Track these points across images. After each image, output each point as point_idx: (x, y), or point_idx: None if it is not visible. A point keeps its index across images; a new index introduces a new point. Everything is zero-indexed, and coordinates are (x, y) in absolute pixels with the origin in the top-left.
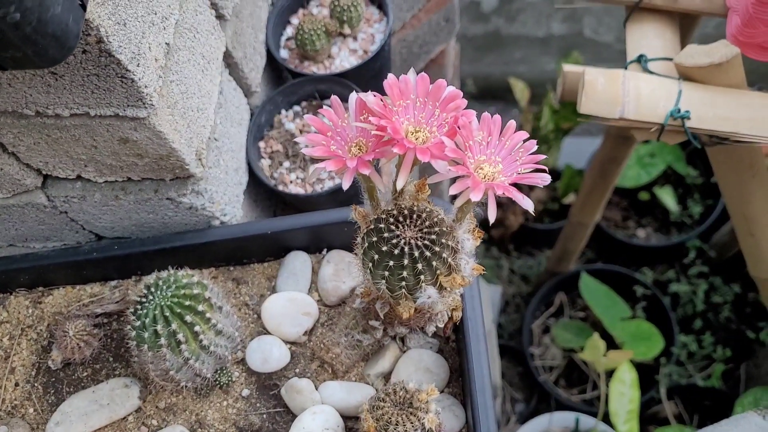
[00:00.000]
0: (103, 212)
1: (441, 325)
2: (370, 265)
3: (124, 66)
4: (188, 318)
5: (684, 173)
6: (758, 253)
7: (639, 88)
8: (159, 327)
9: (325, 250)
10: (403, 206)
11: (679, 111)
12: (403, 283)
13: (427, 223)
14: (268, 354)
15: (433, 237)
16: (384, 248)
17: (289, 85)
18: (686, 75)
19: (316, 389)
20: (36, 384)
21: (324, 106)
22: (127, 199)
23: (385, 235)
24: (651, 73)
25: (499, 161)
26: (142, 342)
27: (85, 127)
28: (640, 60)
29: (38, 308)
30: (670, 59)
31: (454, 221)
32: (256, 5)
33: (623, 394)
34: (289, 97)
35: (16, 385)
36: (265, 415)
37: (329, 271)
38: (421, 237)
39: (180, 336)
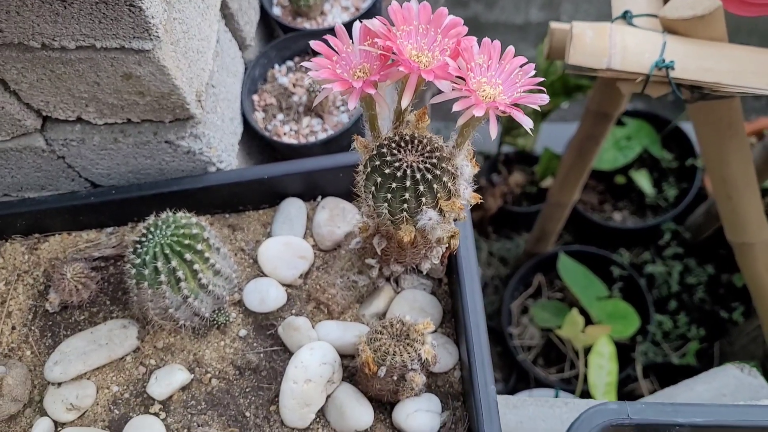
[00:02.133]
0: (101, 157)
1: (436, 261)
2: (373, 189)
3: None
4: (188, 256)
5: (659, 156)
6: (735, 216)
7: (625, 40)
8: (159, 264)
9: (320, 197)
10: (404, 133)
11: (663, 61)
12: (405, 205)
13: (428, 148)
14: (265, 294)
15: (434, 161)
16: (387, 171)
17: (282, 40)
18: (670, 28)
19: (313, 328)
20: (33, 327)
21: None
22: (126, 141)
23: (388, 158)
24: (636, 27)
25: (500, 83)
26: (142, 279)
27: (90, 62)
28: (625, 16)
29: (34, 254)
30: (655, 16)
31: (454, 147)
32: None
33: (602, 367)
34: (282, 52)
35: (13, 328)
36: (262, 354)
37: (324, 216)
38: (422, 161)
39: (180, 273)
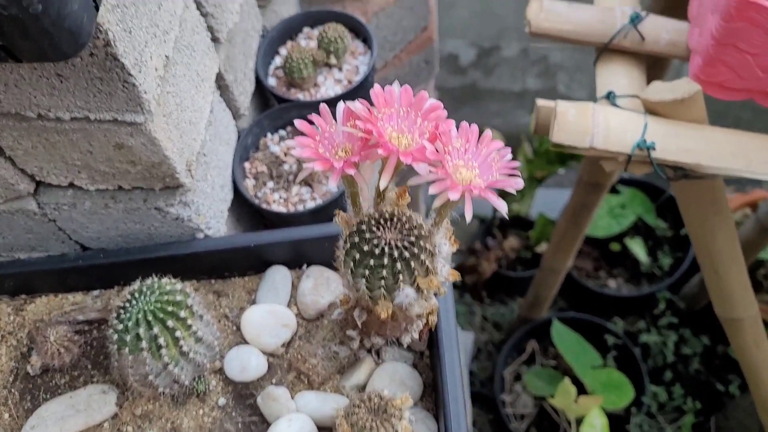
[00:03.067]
0: (91, 221)
1: (416, 336)
2: (352, 264)
3: (128, 71)
4: (170, 323)
5: (654, 225)
6: (722, 291)
7: (608, 120)
8: (141, 330)
9: (306, 265)
10: (384, 211)
11: (645, 142)
12: (383, 282)
13: (407, 226)
14: (246, 363)
15: (412, 239)
16: (365, 248)
17: (276, 109)
18: (652, 110)
19: (292, 398)
20: (13, 390)
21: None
22: (117, 207)
23: (367, 236)
24: (619, 108)
25: (476, 166)
26: (123, 345)
27: (84, 132)
28: (609, 96)
29: (20, 315)
30: (637, 96)
31: (432, 226)
32: (248, 34)
33: None
34: (275, 121)
35: None
36: (240, 424)
37: (309, 285)
38: (400, 239)
39: (161, 340)
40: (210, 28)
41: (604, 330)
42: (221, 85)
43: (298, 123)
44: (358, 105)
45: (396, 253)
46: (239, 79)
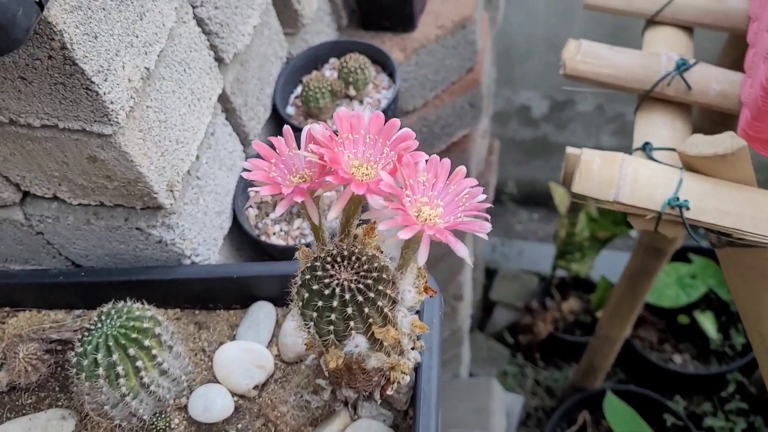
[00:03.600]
0: (76, 237)
1: (390, 392)
2: (300, 304)
3: (88, 77)
4: (131, 351)
5: (728, 300)
6: None
7: (637, 172)
8: (99, 356)
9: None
10: (344, 248)
11: (677, 199)
12: (331, 327)
13: (366, 267)
14: (211, 403)
15: (369, 282)
16: (315, 287)
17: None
18: (690, 165)
19: None
20: None
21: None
22: (99, 224)
23: (318, 273)
24: (655, 161)
25: (441, 205)
26: (80, 370)
27: (56, 141)
28: (645, 148)
29: (0, 328)
30: (674, 150)
31: (397, 269)
32: (266, 59)
33: None
34: None
35: None
36: None
37: (292, 325)
38: (356, 280)
39: (119, 369)
40: (214, 47)
41: (664, 408)
42: (227, 108)
43: (256, 144)
44: (317, 127)
45: (348, 296)
46: (250, 104)
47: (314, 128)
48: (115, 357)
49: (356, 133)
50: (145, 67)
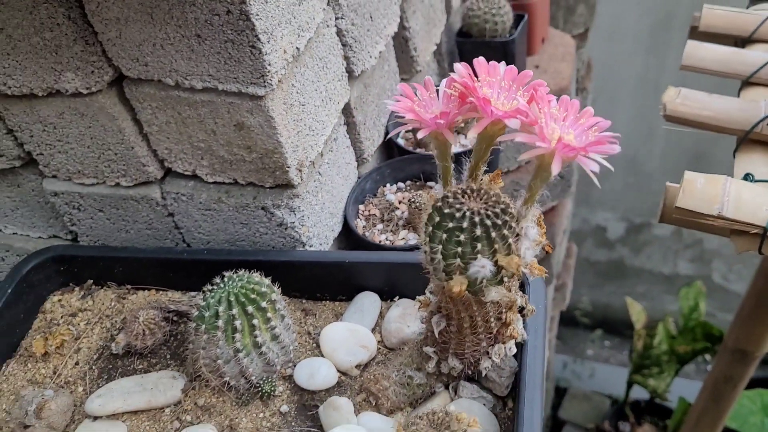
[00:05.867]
0: (204, 218)
1: (497, 359)
2: (431, 229)
3: (257, 34)
4: (249, 308)
5: None
6: None
7: (740, 191)
8: (221, 309)
9: (397, 297)
10: (473, 186)
11: None
12: (459, 248)
13: (493, 200)
14: (316, 371)
15: (497, 211)
16: (446, 211)
17: (398, 160)
18: None
19: (356, 415)
20: (94, 367)
21: (427, 186)
22: (228, 202)
23: (450, 200)
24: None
25: (571, 132)
26: (200, 321)
27: (211, 105)
28: (747, 177)
29: (120, 303)
30: None
31: (522, 205)
32: (384, 90)
33: None
34: (396, 172)
35: (76, 364)
36: None
37: (396, 313)
38: (484, 209)
39: (237, 323)
40: (346, 58)
41: None
42: (349, 121)
43: (401, 85)
44: (459, 66)
45: (477, 219)
46: (368, 124)
47: (456, 66)
48: (234, 311)
49: (492, 77)
50: (296, 47)
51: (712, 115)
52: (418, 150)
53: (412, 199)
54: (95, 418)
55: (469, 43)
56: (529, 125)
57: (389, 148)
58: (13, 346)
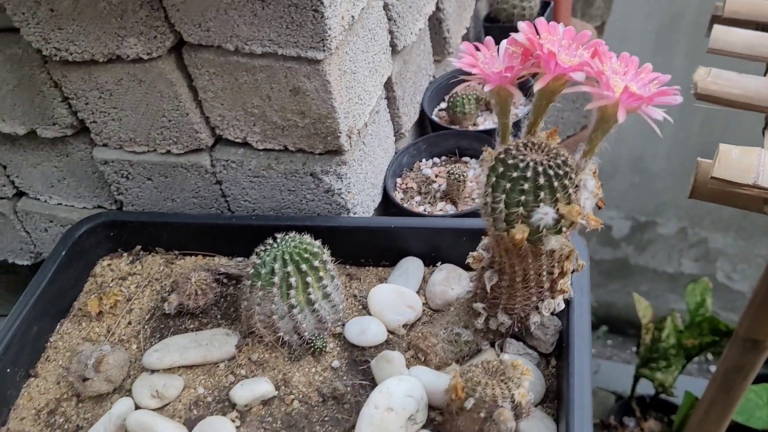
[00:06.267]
0: (251, 186)
1: (547, 313)
2: (493, 180)
3: None
4: (303, 267)
5: None
6: None
7: None
8: (276, 266)
9: (440, 263)
10: (533, 140)
11: None
12: (522, 197)
13: (554, 152)
14: (366, 327)
15: (559, 162)
16: (510, 162)
17: (434, 135)
18: None
19: (407, 368)
20: (146, 327)
21: (462, 161)
22: (278, 169)
23: (513, 152)
24: None
25: (634, 84)
26: (256, 278)
27: (269, 71)
28: None
29: (169, 267)
30: None
31: (581, 158)
32: (420, 69)
33: None
34: (432, 147)
35: (129, 323)
36: (349, 387)
37: (440, 276)
38: (546, 160)
39: (292, 280)
40: (390, 33)
41: None
42: (389, 96)
43: (464, 44)
44: (522, 24)
45: (540, 169)
46: (406, 99)
47: (520, 24)
48: (290, 268)
49: (553, 35)
50: (352, 15)
51: (742, 93)
52: (453, 127)
53: (451, 171)
54: (152, 371)
55: (496, 28)
56: (594, 76)
57: (422, 127)
58: (66, 307)
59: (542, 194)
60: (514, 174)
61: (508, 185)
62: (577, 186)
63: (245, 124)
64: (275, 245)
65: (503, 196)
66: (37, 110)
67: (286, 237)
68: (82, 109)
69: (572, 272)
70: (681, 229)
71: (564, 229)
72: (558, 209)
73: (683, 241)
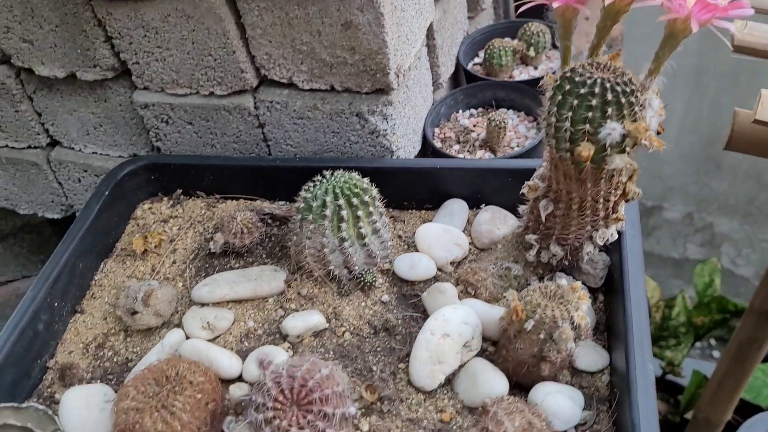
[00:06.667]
0: (294, 128)
1: (600, 243)
2: (560, 98)
3: None
4: (354, 201)
5: None
6: None
7: None
8: (328, 199)
9: (483, 205)
10: (597, 60)
11: None
12: (590, 113)
13: (619, 71)
14: (417, 261)
15: (626, 80)
16: (577, 79)
17: (470, 86)
18: None
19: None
20: (191, 266)
21: (500, 112)
22: (323, 109)
23: (579, 71)
24: None
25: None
26: (308, 211)
27: (322, 3)
28: None
29: (210, 210)
30: None
31: (646, 77)
32: (456, 22)
33: None
34: (469, 98)
35: (173, 263)
36: (400, 319)
37: (486, 216)
38: (613, 78)
39: (344, 213)
40: None
41: None
42: (429, 45)
43: None
44: None
45: (608, 85)
46: (445, 50)
47: None
48: (341, 202)
49: None
50: None
51: None
52: (489, 77)
53: (492, 118)
54: (202, 305)
55: None
56: None
57: (457, 82)
58: (109, 246)
59: (610, 110)
60: (582, 90)
61: (576, 102)
62: (642, 105)
63: (292, 62)
64: (325, 181)
65: (569, 114)
66: (78, 51)
67: (335, 173)
68: (126, 49)
69: (627, 201)
70: (687, 214)
71: (628, 148)
72: (625, 126)
73: (689, 226)
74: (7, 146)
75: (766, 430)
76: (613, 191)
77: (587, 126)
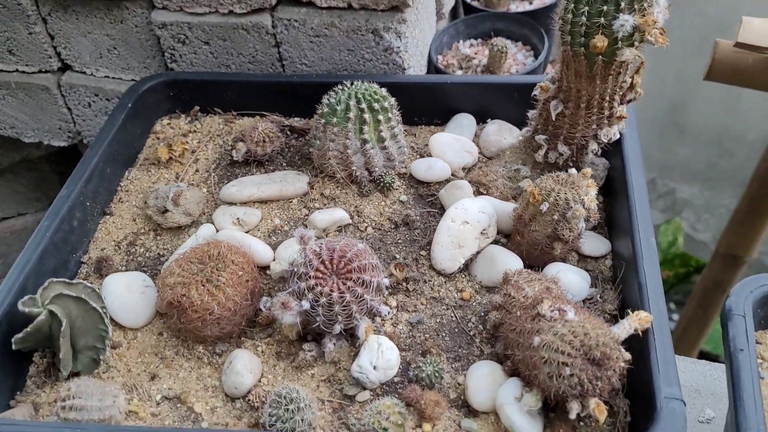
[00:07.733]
0: (311, 47)
1: (605, 140)
2: None
3: None
4: (376, 106)
5: None
6: None
7: None
8: (352, 103)
9: (489, 119)
10: None
11: None
12: (605, 6)
13: None
14: (433, 163)
15: None
16: None
17: (472, 17)
18: None
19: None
20: (214, 174)
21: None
22: (341, 26)
23: None
24: None
25: None
26: (332, 115)
27: None
28: None
29: (228, 125)
30: None
31: None
32: None
33: None
34: (469, 29)
35: (197, 171)
36: (419, 215)
37: (493, 128)
38: None
39: (366, 116)
40: None
41: None
42: None
43: None
44: None
45: None
46: None
47: None
48: (363, 106)
49: None
50: None
51: None
52: (488, 9)
53: (494, 43)
54: (230, 204)
55: None
56: None
57: (456, 17)
58: (132, 156)
59: (623, 4)
60: None
61: None
62: (650, 2)
63: None
64: (346, 88)
65: (586, 8)
66: None
67: (355, 83)
68: None
69: (628, 101)
70: (650, 180)
71: (636, 42)
72: (635, 18)
73: (652, 191)
74: (17, 70)
75: None
76: (618, 90)
77: (602, 19)
